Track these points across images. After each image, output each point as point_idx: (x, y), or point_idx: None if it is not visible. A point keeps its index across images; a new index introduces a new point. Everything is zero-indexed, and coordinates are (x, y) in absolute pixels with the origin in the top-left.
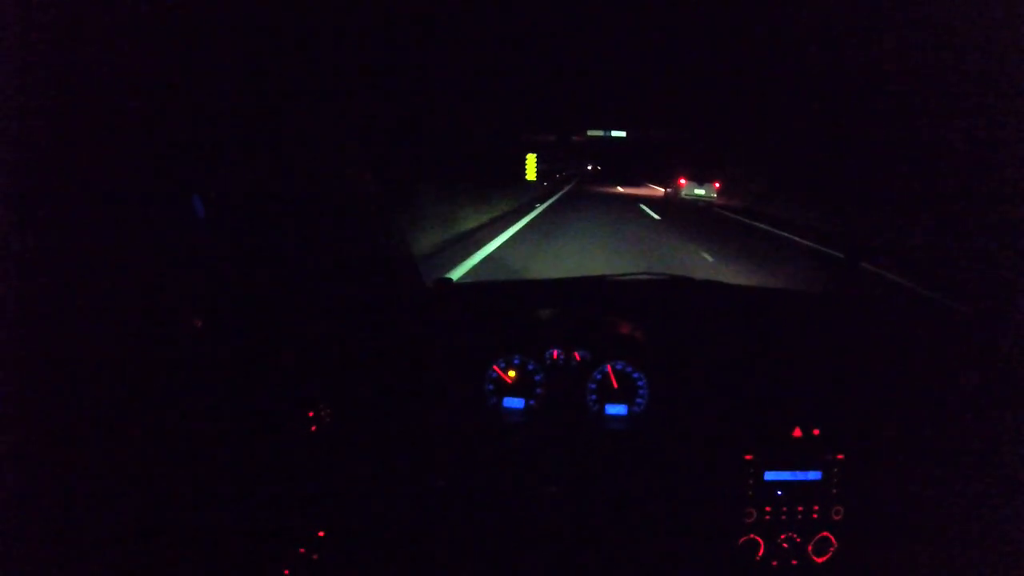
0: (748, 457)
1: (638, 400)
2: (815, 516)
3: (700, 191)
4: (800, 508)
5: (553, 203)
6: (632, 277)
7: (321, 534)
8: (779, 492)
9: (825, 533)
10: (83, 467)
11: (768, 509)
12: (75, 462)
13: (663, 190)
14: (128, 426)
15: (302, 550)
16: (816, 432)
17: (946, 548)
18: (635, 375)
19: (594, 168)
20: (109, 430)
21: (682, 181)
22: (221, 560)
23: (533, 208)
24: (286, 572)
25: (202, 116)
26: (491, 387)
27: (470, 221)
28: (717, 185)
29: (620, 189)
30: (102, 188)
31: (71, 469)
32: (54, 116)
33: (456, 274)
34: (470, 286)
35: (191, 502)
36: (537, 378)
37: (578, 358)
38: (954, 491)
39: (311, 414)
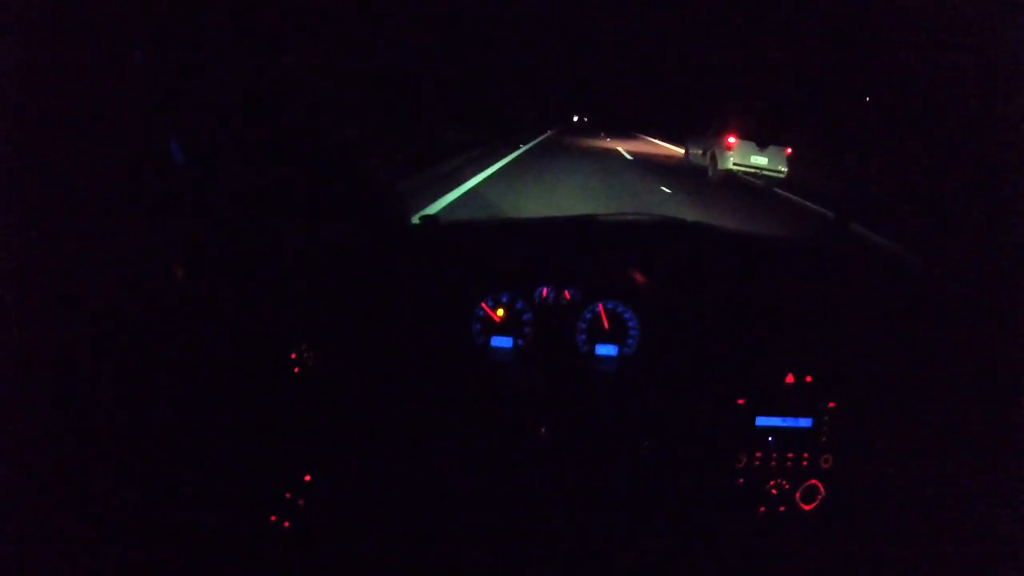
0: (740, 401)
1: (629, 341)
2: (804, 463)
3: (761, 159)
4: (790, 455)
5: None
6: (623, 217)
7: (307, 479)
8: (770, 438)
9: (813, 481)
10: (65, 415)
11: (758, 455)
12: (57, 411)
13: (680, 149)
14: (108, 373)
15: (288, 495)
16: (808, 379)
17: (932, 510)
18: (626, 315)
19: (580, 120)
20: (88, 377)
21: (731, 140)
22: (206, 505)
23: None
24: (272, 518)
25: (181, 60)
26: (479, 326)
27: None
28: (789, 151)
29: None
30: (79, 136)
31: (55, 420)
32: (29, 62)
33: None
34: (457, 223)
35: (174, 447)
36: (526, 317)
37: (568, 297)
38: (945, 452)
39: (294, 356)
